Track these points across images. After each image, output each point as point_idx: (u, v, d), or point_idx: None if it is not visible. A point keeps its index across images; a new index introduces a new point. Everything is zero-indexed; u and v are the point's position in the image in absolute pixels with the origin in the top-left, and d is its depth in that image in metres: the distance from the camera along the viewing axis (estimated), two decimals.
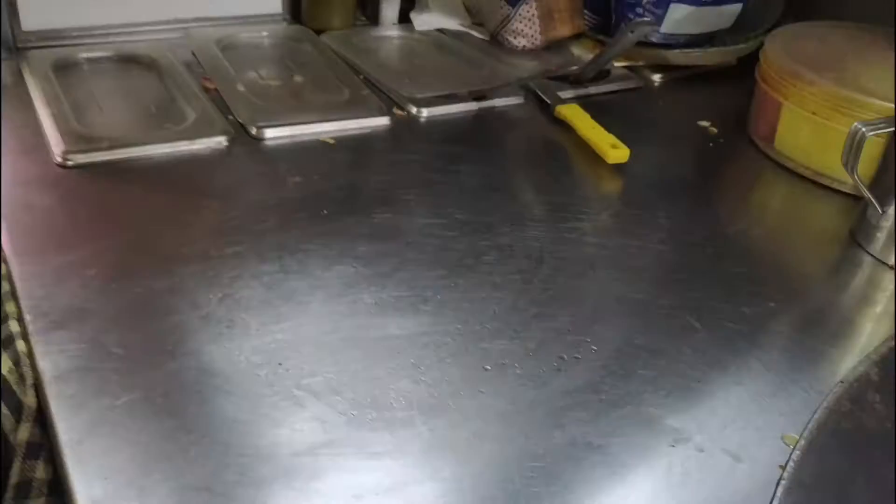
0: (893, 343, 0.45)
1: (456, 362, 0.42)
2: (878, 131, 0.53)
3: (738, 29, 0.84)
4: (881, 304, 0.54)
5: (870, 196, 0.56)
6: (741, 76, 0.80)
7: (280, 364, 0.41)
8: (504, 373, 0.42)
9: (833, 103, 0.64)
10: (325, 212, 0.55)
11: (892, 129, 0.53)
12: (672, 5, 0.78)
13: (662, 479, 0.37)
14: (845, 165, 0.55)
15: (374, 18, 0.89)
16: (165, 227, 0.51)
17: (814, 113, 0.65)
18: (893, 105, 0.59)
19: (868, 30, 0.76)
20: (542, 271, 0.51)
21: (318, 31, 0.84)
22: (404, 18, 0.89)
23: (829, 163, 0.65)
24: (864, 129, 0.53)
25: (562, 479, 0.36)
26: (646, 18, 0.77)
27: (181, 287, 0.46)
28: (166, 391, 0.38)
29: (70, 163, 0.56)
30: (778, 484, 0.37)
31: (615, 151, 0.65)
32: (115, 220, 0.52)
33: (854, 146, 0.54)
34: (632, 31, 0.72)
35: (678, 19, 0.79)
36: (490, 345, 0.44)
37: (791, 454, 0.38)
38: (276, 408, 0.38)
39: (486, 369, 0.42)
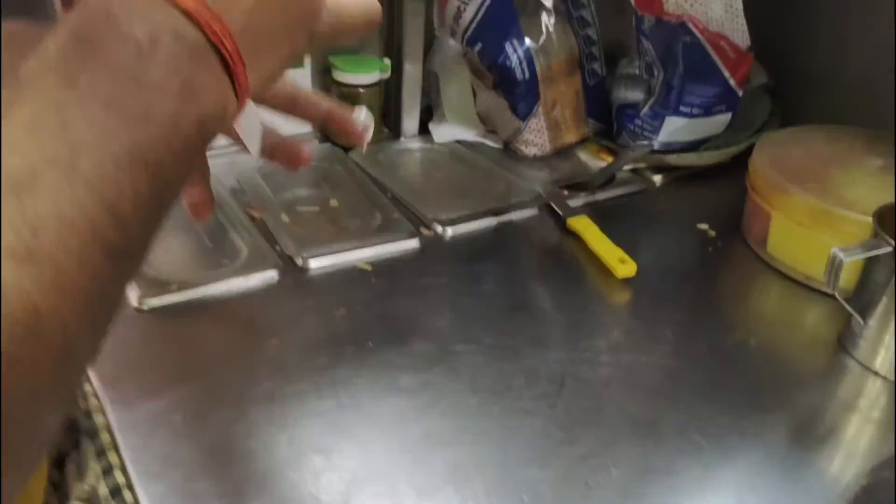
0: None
1: (498, 494, 0.49)
2: (855, 257, 0.60)
3: (730, 131, 0.92)
4: (866, 411, 0.60)
5: (852, 310, 0.63)
6: (734, 173, 0.88)
7: None
8: (539, 502, 0.49)
9: (816, 216, 0.71)
10: (370, 344, 0.62)
11: (868, 253, 0.60)
12: (667, 118, 0.86)
13: None
14: (827, 285, 0.62)
15: (395, 130, 0.98)
16: (233, 368, 0.59)
17: (800, 224, 0.72)
18: (871, 218, 0.66)
19: (847, 131, 0.84)
20: (565, 394, 0.58)
21: (346, 149, 0.92)
22: (423, 128, 0.98)
23: (817, 269, 0.71)
24: (841, 255, 0.60)
25: None
26: (644, 141, 0.85)
27: (255, 430, 0.53)
28: None
29: (145, 307, 0.64)
30: None
31: (623, 267, 0.72)
32: (189, 362, 0.59)
33: (833, 270, 0.61)
34: (633, 150, 0.80)
35: (673, 130, 0.87)
36: (525, 473, 0.51)
37: None
38: None
39: (524, 500, 0.49)
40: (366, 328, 0.64)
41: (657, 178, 0.91)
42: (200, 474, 0.49)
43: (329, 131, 0.48)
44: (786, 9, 0.94)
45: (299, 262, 0.71)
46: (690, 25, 0.81)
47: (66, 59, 0.26)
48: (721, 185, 0.91)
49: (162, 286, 0.66)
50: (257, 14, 0.31)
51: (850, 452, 0.56)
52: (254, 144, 0.38)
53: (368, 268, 0.72)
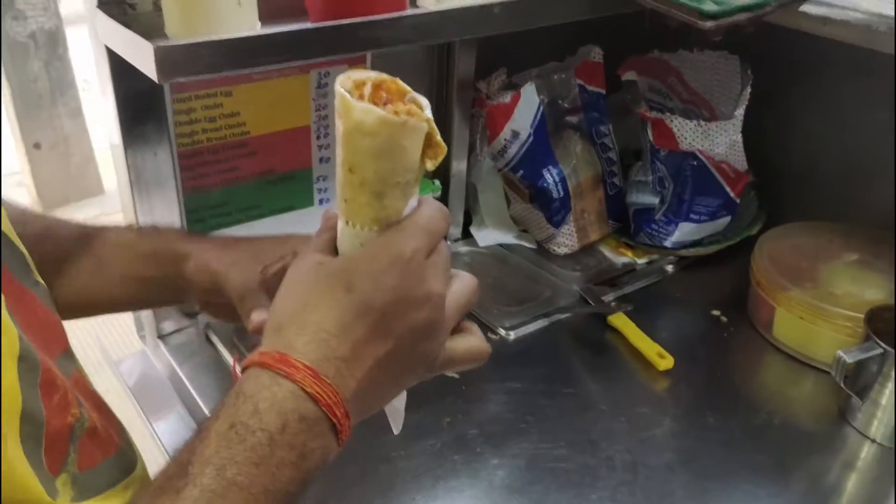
0: None
1: None
2: (856, 359, 0.77)
3: (727, 227, 1.09)
4: (864, 471, 0.77)
5: (851, 392, 0.80)
6: (733, 260, 1.06)
7: None
8: None
9: (814, 311, 0.88)
10: (478, 449, 0.77)
11: (866, 355, 0.77)
12: (680, 224, 1.02)
13: None
14: (835, 377, 0.79)
15: None
16: (376, 478, 0.73)
17: (801, 317, 0.89)
18: (862, 316, 0.83)
19: (825, 228, 1.02)
20: (640, 481, 0.74)
21: None
22: (464, 230, 1.13)
23: (818, 352, 0.89)
24: (846, 358, 0.77)
25: None
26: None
27: None
28: None
29: None
30: None
31: (663, 361, 0.88)
32: None
33: (840, 368, 0.78)
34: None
35: (685, 232, 1.03)
36: None
37: None
38: None
39: None
40: (468, 434, 0.79)
41: (670, 268, 1.08)
42: None
43: None
44: (767, 115, 1.12)
45: None
46: (699, 154, 0.98)
47: (219, 450, 0.38)
48: (722, 271, 1.08)
49: None
50: (372, 376, 0.42)
51: None
52: (397, 423, 0.51)
53: (456, 376, 0.87)
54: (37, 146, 3.01)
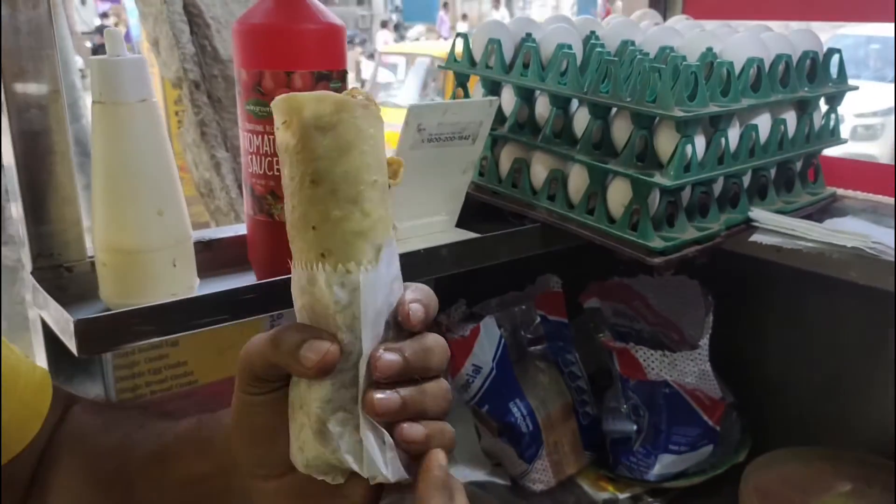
0: None
1: None
2: None
3: (712, 453, 1.03)
4: None
5: None
6: (720, 489, 0.98)
7: None
8: None
9: None
10: None
11: None
12: (659, 456, 0.96)
13: None
14: None
15: None
16: None
17: None
18: None
19: (813, 455, 0.95)
20: None
21: None
22: None
23: None
24: None
25: None
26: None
27: None
28: None
29: None
30: None
31: None
32: None
33: None
34: None
35: (666, 464, 0.97)
36: None
37: None
38: None
39: None
40: None
41: (654, 503, 1.00)
42: None
43: None
44: (740, 336, 1.10)
45: None
46: (670, 382, 0.94)
47: None
48: (710, 503, 1.01)
49: None
50: None
51: None
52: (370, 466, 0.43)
53: None
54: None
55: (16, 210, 0.69)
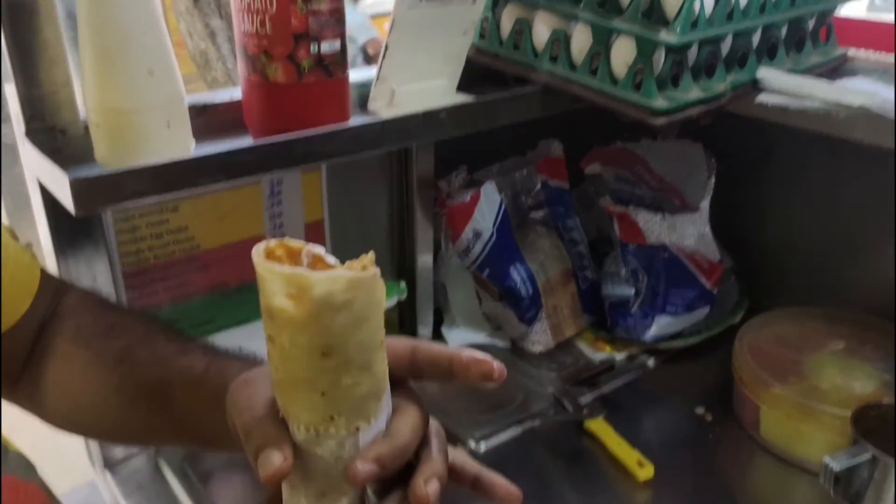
0: None
1: None
2: (844, 465, 0.72)
3: (708, 315, 1.05)
4: None
5: (844, 500, 0.74)
6: (715, 351, 1.01)
7: None
8: None
9: (800, 409, 0.83)
10: None
11: (854, 461, 0.72)
12: (656, 317, 0.98)
13: None
14: (824, 485, 0.73)
15: (412, 335, 1.08)
16: None
17: (788, 416, 0.84)
18: (848, 414, 0.78)
19: (808, 314, 0.97)
20: None
21: None
22: (435, 329, 1.09)
23: (810, 454, 0.83)
24: (832, 465, 0.72)
25: None
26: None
27: None
28: None
29: None
30: None
31: (642, 471, 0.82)
32: None
33: (828, 476, 0.72)
34: None
35: (662, 325, 0.99)
36: None
37: None
38: None
39: None
40: None
41: (650, 362, 1.03)
42: None
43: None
44: (740, 199, 1.09)
45: None
46: (669, 246, 0.95)
47: None
48: (705, 363, 1.03)
49: None
50: None
51: None
52: None
53: None
54: (29, 245, 3.00)
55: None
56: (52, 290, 0.59)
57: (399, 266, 1.07)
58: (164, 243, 0.85)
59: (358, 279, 0.35)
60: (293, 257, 0.37)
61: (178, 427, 0.52)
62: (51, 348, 0.56)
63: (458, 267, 1.07)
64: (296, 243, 0.38)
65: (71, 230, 0.75)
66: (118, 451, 0.87)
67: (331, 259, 0.38)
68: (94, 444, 0.86)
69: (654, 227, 0.94)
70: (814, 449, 0.82)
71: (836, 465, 0.72)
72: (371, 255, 0.37)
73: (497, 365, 0.44)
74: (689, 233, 0.95)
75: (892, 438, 0.74)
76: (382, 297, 0.37)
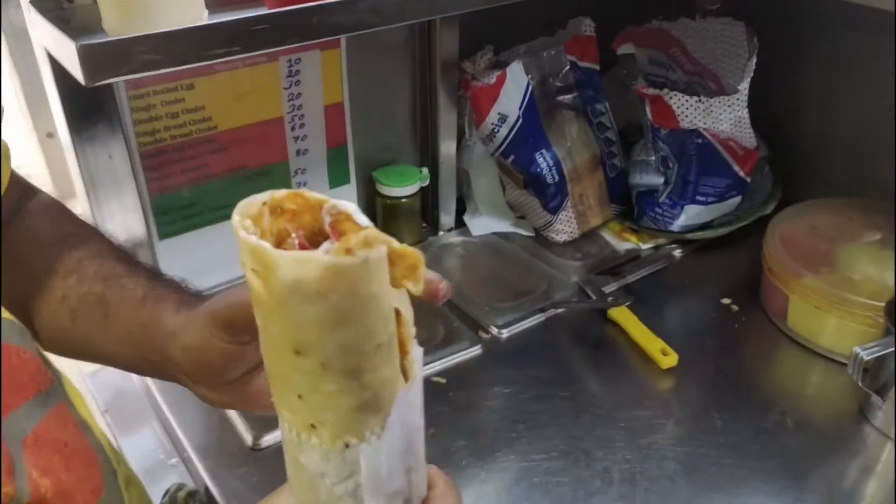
0: None
1: None
2: (874, 355, 0.70)
3: (740, 205, 1.01)
4: (884, 474, 0.71)
5: (871, 392, 0.73)
6: (744, 242, 0.99)
7: None
8: None
9: (830, 300, 0.81)
10: (463, 462, 0.71)
11: (885, 351, 0.70)
12: (686, 207, 0.95)
13: None
14: (852, 376, 0.72)
15: (434, 225, 1.07)
16: None
17: (817, 306, 0.82)
18: (882, 306, 0.76)
19: (843, 204, 0.94)
20: (639, 495, 0.68)
21: None
22: (457, 218, 1.07)
23: (836, 343, 0.82)
24: (862, 354, 0.70)
25: None
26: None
27: None
28: None
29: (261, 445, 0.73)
30: None
31: (666, 359, 0.82)
32: None
33: (857, 365, 0.71)
34: None
35: (692, 215, 0.96)
36: None
37: None
38: None
39: None
40: (452, 446, 0.73)
41: (677, 253, 1.01)
42: None
43: None
44: (779, 85, 1.04)
45: None
46: (703, 132, 0.91)
47: None
48: (734, 254, 1.01)
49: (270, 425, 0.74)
50: None
51: None
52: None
53: (443, 381, 0.81)
54: (50, 135, 2.99)
55: None
56: (18, 191, 0.58)
57: (421, 152, 1.04)
58: (181, 123, 0.83)
59: (336, 267, 0.27)
60: (313, 213, 0.31)
61: (116, 348, 0.52)
62: (6, 250, 0.55)
63: (482, 154, 1.04)
64: (316, 196, 0.31)
65: (84, 108, 0.73)
66: None
67: (363, 219, 0.30)
68: None
69: (689, 110, 0.90)
70: (842, 340, 0.81)
71: (866, 355, 0.70)
72: (370, 233, 0.28)
73: (444, 285, 0.40)
74: (726, 117, 0.90)
75: None
76: (380, 290, 0.29)
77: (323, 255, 0.27)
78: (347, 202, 0.31)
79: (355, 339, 0.29)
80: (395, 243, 0.30)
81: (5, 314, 0.44)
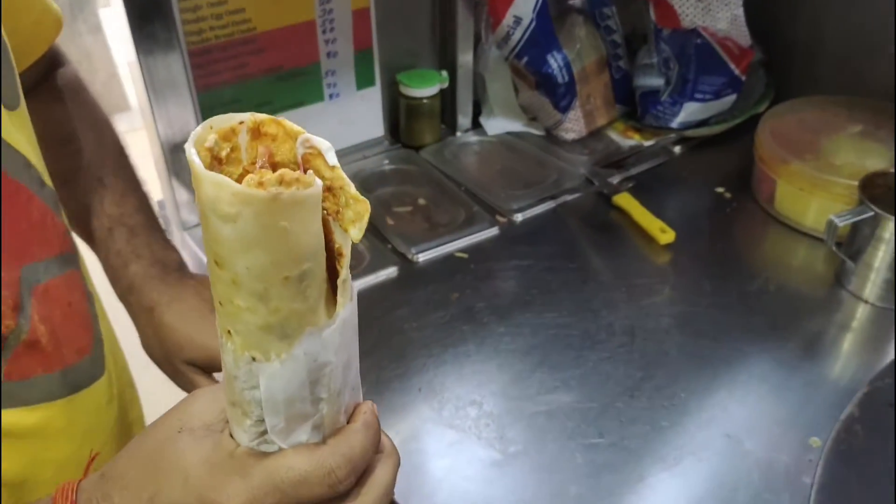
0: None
1: (599, 422, 0.70)
2: (847, 222, 0.80)
3: (734, 105, 1.10)
4: (858, 331, 0.81)
5: (845, 257, 0.83)
6: (738, 139, 1.07)
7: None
8: (634, 422, 0.70)
9: (813, 182, 0.90)
10: (485, 320, 0.82)
11: (857, 218, 0.80)
12: (685, 104, 1.04)
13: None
14: (828, 242, 0.82)
15: (452, 126, 1.15)
16: (389, 347, 0.79)
17: (801, 189, 0.91)
18: (857, 183, 0.85)
19: (831, 101, 1.02)
20: (637, 343, 0.79)
21: (415, 147, 1.10)
22: (473, 121, 1.16)
23: (817, 222, 0.91)
24: (837, 221, 0.80)
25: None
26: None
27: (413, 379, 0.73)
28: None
29: None
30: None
31: (664, 235, 0.91)
32: None
33: (831, 232, 0.80)
34: None
35: (690, 112, 1.05)
36: (620, 404, 0.72)
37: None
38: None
39: (622, 421, 0.70)
40: (475, 307, 0.84)
41: (677, 149, 1.10)
42: None
43: None
44: None
45: (410, 257, 0.90)
46: (701, 31, 0.98)
47: None
48: (728, 149, 1.10)
49: None
50: None
51: (848, 363, 0.77)
52: None
53: (465, 255, 0.91)
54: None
55: None
56: (51, 56, 0.64)
57: (440, 57, 1.12)
58: (224, 24, 0.91)
59: (245, 195, 0.29)
60: (291, 143, 0.33)
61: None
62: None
63: (497, 59, 1.11)
64: (293, 127, 0.33)
65: (142, 6, 0.81)
66: (194, 217, 0.96)
67: (332, 159, 0.33)
68: (171, 209, 0.96)
69: (689, 9, 0.97)
70: (824, 219, 0.89)
71: (840, 222, 0.80)
72: (286, 172, 0.30)
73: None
74: (722, 15, 0.98)
75: (893, 202, 0.81)
76: (286, 223, 0.30)
77: (233, 183, 0.29)
78: (322, 139, 0.33)
79: (262, 266, 0.31)
80: (352, 188, 0.33)
81: (51, 183, 0.50)
